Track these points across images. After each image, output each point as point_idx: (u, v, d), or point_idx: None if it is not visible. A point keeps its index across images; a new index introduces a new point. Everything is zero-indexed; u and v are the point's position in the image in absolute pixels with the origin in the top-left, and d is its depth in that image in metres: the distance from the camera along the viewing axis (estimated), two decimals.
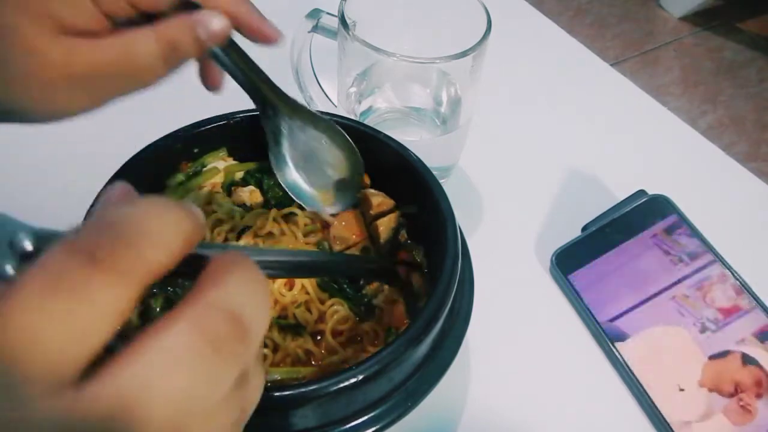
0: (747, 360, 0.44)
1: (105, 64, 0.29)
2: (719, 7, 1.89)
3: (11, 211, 0.57)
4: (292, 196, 0.44)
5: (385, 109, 0.54)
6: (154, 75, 0.31)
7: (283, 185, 0.44)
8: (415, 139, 0.51)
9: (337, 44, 0.49)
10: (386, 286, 0.42)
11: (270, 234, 0.43)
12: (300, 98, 0.54)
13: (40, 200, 0.53)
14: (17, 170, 0.55)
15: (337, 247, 0.44)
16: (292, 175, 0.44)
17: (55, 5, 0.28)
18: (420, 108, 0.54)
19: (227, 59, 0.36)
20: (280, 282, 0.40)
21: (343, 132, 0.42)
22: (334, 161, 0.43)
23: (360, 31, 0.46)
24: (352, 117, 0.50)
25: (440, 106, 0.54)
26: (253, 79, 0.38)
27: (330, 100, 0.54)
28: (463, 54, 0.45)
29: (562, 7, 1.87)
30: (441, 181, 0.42)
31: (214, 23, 0.32)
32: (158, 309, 0.39)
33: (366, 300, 0.41)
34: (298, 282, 0.40)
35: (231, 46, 0.36)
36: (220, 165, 0.45)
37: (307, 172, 0.44)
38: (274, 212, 0.43)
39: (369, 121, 0.52)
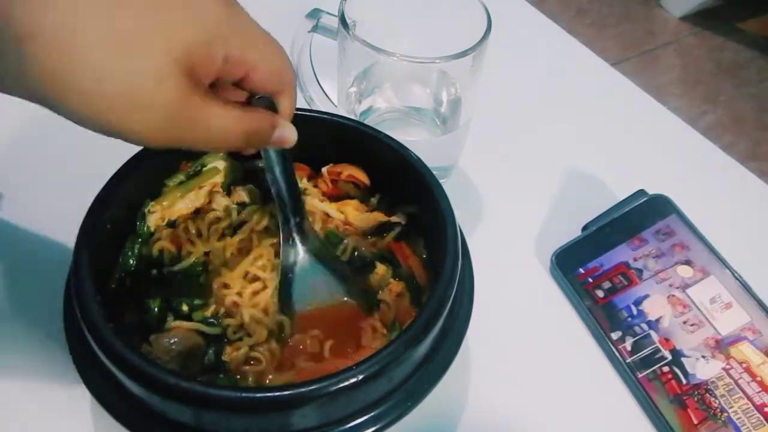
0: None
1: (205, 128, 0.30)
2: (719, 7, 1.88)
3: (13, 207, 0.57)
4: None
5: (385, 109, 0.54)
6: (226, 146, 0.32)
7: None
8: (414, 139, 0.51)
9: (337, 44, 0.49)
10: (391, 279, 0.42)
11: (267, 229, 0.43)
12: (300, 98, 0.54)
13: (40, 198, 0.53)
14: (18, 168, 0.55)
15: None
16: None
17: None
18: (420, 108, 0.54)
19: (275, 166, 0.38)
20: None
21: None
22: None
23: (360, 31, 0.46)
24: (352, 117, 0.50)
25: (440, 106, 0.53)
26: (283, 195, 0.39)
27: (330, 99, 0.54)
28: (463, 54, 0.45)
29: (562, 7, 1.86)
30: (441, 181, 0.42)
31: (288, 132, 0.34)
32: (156, 309, 0.39)
33: (372, 293, 0.41)
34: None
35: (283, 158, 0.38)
36: (220, 165, 0.45)
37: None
38: (271, 207, 0.43)
39: (369, 121, 0.52)
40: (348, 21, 0.46)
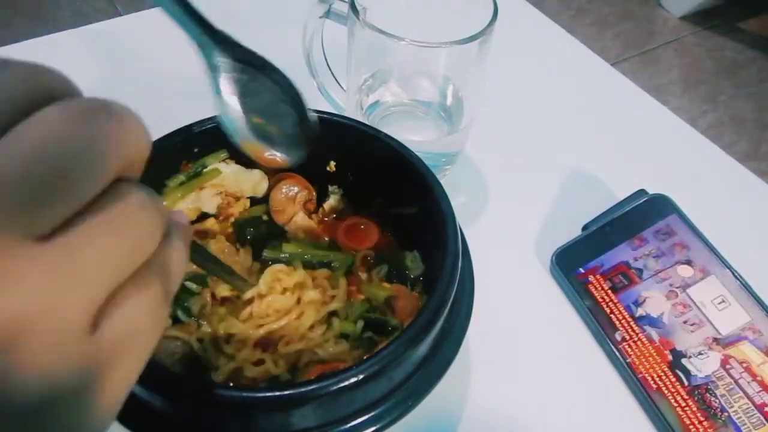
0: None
1: None
2: (719, 7, 1.89)
3: None
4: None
5: (392, 102, 0.55)
6: None
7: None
8: (418, 138, 0.51)
9: (347, 30, 0.49)
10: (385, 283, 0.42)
11: None
12: (312, 85, 0.55)
13: None
14: None
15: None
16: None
17: None
18: (426, 101, 0.55)
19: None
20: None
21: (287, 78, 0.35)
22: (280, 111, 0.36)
23: (370, 19, 0.46)
24: (360, 109, 0.51)
25: (446, 100, 0.54)
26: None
27: (340, 85, 0.55)
28: (471, 39, 0.45)
29: (562, 7, 1.87)
30: (439, 176, 0.42)
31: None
32: None
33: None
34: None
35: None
36: (221, 167, 0.45)
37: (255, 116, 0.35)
38: None
39: (376, 114, 0.53)
40: (358, 7, 0.47)
